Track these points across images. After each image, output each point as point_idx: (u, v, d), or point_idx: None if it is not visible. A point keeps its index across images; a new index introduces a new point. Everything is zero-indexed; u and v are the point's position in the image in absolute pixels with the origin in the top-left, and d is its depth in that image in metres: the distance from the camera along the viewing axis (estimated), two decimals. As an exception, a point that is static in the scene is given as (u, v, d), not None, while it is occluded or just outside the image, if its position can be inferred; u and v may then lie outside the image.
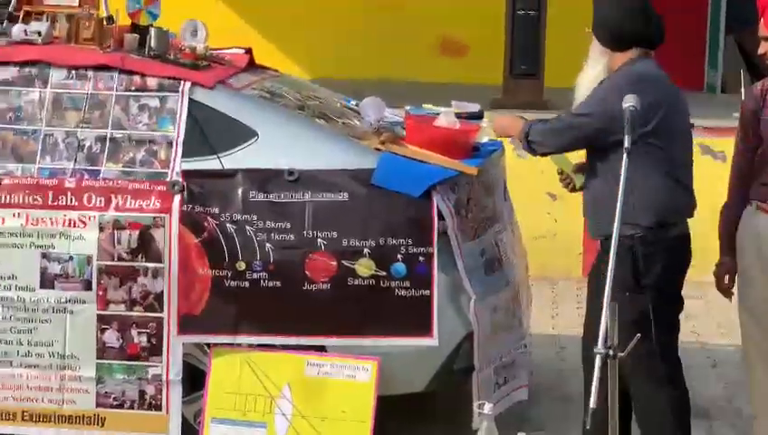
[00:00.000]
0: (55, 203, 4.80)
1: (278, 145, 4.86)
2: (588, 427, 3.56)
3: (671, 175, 4.53)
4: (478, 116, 5.42)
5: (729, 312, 7.07)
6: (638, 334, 3.67)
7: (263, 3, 11.52)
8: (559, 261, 7.87)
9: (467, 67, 11.54)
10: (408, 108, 5.57)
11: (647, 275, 4.48)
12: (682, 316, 4.69)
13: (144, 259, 4.77)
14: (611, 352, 3.58)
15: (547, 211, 7.93)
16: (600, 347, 3.56)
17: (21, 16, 5.30)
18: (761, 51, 4.59)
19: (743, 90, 5.29)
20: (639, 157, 4.25)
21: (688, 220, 4.67)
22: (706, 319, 7.12)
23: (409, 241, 4.70)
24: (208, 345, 4.81)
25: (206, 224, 4.75)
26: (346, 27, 11.80)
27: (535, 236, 7.52)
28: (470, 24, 11.45)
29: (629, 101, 4.10)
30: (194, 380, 4.86)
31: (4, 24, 5.36)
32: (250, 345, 4.78)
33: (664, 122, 4.50)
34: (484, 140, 5.30)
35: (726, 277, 4.76)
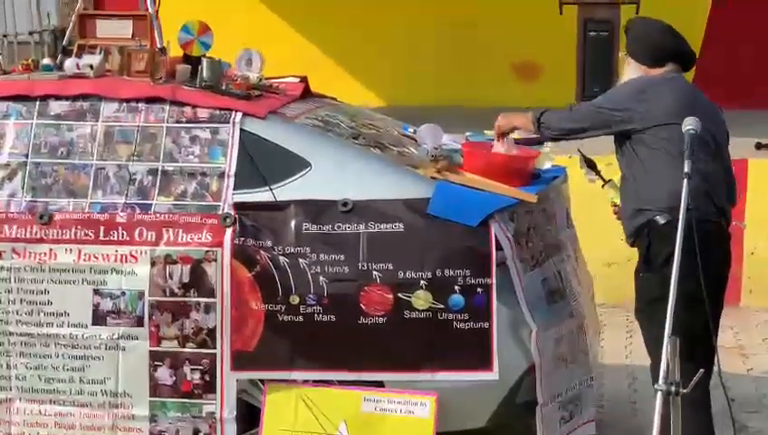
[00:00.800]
0: (107, 238, 4.76)
1: (331, 175, 4.76)
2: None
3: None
4: (539, 142, 5.26)
5: None
6: (702, 370, 3.50)
7: (329, 28, 11.49)
8: (633, 287, 7.63)
9: (540, 90, 11.38)
10: (467, 134, 5.44)
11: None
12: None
13: (196, 294, 4.69)
14: (674, 389, 3.41)
15: (620, 237, 7.70)
16: (661, 383, 3.40)
17: (74, 50, 5.29)
18: None
19: None
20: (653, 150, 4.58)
21: None
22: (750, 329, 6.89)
23: (467, 272, 4.57)
24: (263, 382, 4.71)
25: (258, 257, 4.66)
26: (417, 51, 11.72)
27: (608, 263, 7.32)
28: (543, 47, 11.32)
29: (690, 124, 3.97)
30: (249, 417, 4.76)
31: (59, 58, 5.34)
32: (305, 381, 4.68)
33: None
34: (546, 166, 5.14)
35: None
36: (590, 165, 5.16)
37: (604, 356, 6.12)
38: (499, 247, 4.59)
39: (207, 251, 4.69)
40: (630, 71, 4.81)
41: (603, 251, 7.08)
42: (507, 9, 11.42)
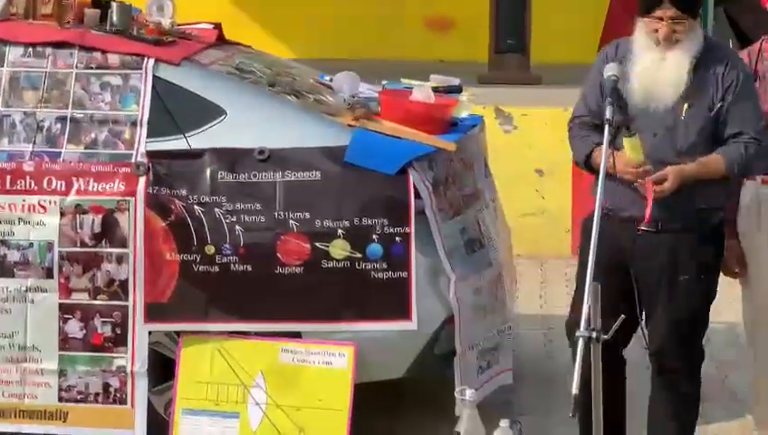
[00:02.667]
0: (14, 188, 4.62)
1: (247, 123, 4.67)
2: (572, 414, 3.37)
3: None
4: (457, 90, 5.22)
5: (721, 289, 6.94)
6: (623, 316, 3.51)
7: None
8: (547, 240, 7.68)
9: (453, 44, 11.37)
10: (384, 82, 5.37)
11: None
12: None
13: (108, 245, 4.58)
14: (594, 335, 3.41)
15: (535, 188, 7.74)
16: (582, 330, 3.40)
17: (-24, -7, 5.09)
18: None
19: None
20: None
21: None
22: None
23: (385, 221, 4.52)
24: (178, 334, 4.62)
25: (172, 207, 4.57)
26: (330, 5, 11.60)
27: (522, 214, 7.35)
28: (457, 0, 11.28)
29: (612, 70, 3.97)
30: (164, 369, 4.67)
31: (-40, 2, 5.15)
32: (221, 333, 4.59)
33: None
34: (464, 114, 5.10)
35: (735, 260, 4.57)
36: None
37: (519, 306, 6.14)
38: (417, 196, 4.55)
39: (120, 201, 4.58)
40: (690, 31, 4.28)
41: (519, 202, 7.10)
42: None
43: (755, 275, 4.58)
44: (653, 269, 4.24)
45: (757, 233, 4.53)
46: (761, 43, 4.53)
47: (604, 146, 3.83)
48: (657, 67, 4.19)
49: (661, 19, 4.17)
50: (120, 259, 4.57)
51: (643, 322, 4.31)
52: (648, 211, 4.14)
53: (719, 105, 4.22)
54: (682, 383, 4.39)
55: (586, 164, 4.34)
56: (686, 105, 4.19)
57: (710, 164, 4.19)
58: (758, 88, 4.48)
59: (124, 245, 4.57)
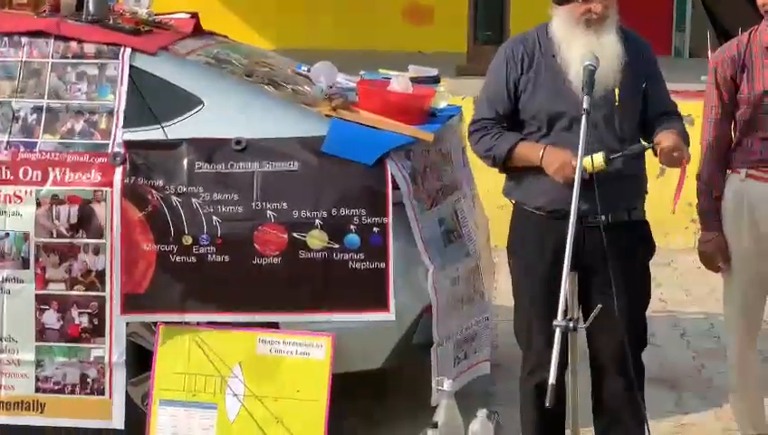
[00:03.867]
0: (-11, 177, 4.59)
1: (224, 113, 4.66)
2: (548, 404, 3.37)
3: None
4: (435, 80, 5.22)
5: (697, 279, 6.98)
6: (600, 305, 3.52)
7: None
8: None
9: (432, 34, 11.37)
10: (362, 73, 5.37)
11: None
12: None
13: (84, 235, 4.57)
14: (572, 325, 3.42)
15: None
16: (559, 320, 3.41)
17: (-49, -19, 5.07)
18: (760, 2, 4.40)
19: (709, 52, 5.13)
20: None
21: None
22: (674, 287, 6.98)
23: (363, 211, 4.52)
24: (155, 324, 4.61)
25: (149, 197, 4.55)
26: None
27: (500, 205, 7.33)
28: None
29: (588, 60, 3.94)
30: (141, 360, 4.66)
31: (-66, -10, 5.12)
32: (199, 323, 4.59)
33: None
34: (442, 105, 5.10)
35: (718, 254, 4.57)
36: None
37: (497, 297, 6.14)
38: (395, 186, 4.54)
39: (96, 191, 4.56)
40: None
41: (496, 193, 7.09)
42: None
43: (738, 268, 4.58)
44: (606, 262, 4.04)
45: (741, 225, 4.54)
46: (749, 35, 4.52)
47: (581, 142, 3.74)
48: (596, 53, 4.03)
49: None
50: (97, 250, 4.55)
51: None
52: (678, 194, 4.05)
53: (643, 86, 4.19)
54: (630, 368, 4.16)
55: (503, 161, 4.17)
56: (616, 90, 4.11)
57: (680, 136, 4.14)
58: (744, 77, 4.48)
59: (101, 235, 4.55)
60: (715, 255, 4.58)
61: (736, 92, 4.50)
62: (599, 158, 3.95)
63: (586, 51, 3.99)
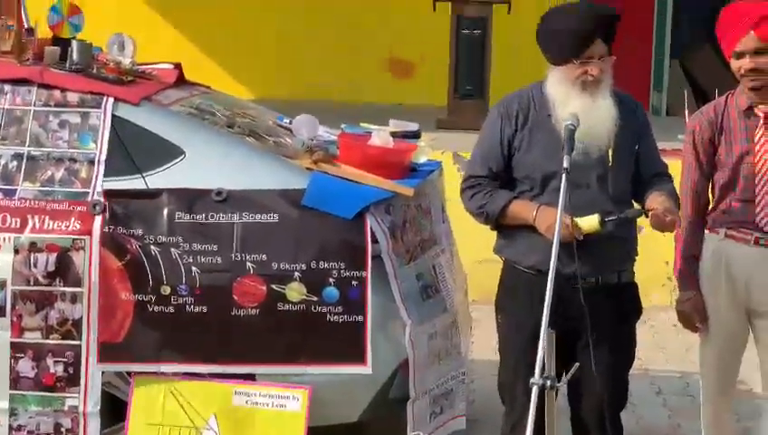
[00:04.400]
0: (-32, 224, 4.58)
1: (206, 164, 4.67)
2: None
3: None
4: (415, 135, 5.25)
5: (673, 338, 7.00)
6: (577, 363, 3.53)
7: (202, 18, 11.34)
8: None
9: (413, 87, 11.44)
10: (343, 126, 5.40)
11: None
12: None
13: (62, 284, 4.55)
14: (549, 383, 3.43)
15: (490, 235, 7.76)
16: (537, 378, 3.41)
17: (-64, 28, 5.08)
18: (735, 66, 4.47)
19: (686, 112, 5.19)
20: None
21: None
22: (651, 345, 6.99)
23: (342, 265, 4.52)
24: (130, 374, 4.59)
25: (128, 246, 4.54)
26: (291, 46, 11.64)
27: (479, 260, 7.36)
28: (416, 44, 11.36)
29: (569, 119, 3.98)
30: (116, 410, 4.63)
31: None
32: (175, 374, 4.57)
33: None
34: (422, 159, 5.13)
35: (696, 314, 4.59)
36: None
37: (474, 352, 6.14)
38: (374, 240, 4.56)
39: (75, 239, 4.55)
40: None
41: (475, 248, 7.11)
42: (381, 5, 11.44)
43: (714, 328, 4.60)
44: (594, 324, 4.07)
45: (719, 285, 4.56)
46: (726, 98, 4.58)
47: (561, 200, 3.76)
48: (591, 114, 4.10)
49: (591, 58, 4.11)
50: (75, 298, 4.54)
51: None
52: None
53: (636, 147, 4.24)
54: (609, 429, 4.24)
55: (496, 218, 4.22)
56: (610, 151, 4.16)
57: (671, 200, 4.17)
58: (722, 140, 4.53)
59: (78, 284, 4.54)
60: (692, 314, 4.60)
61: (714, 155, 4.55)
62: (594, 220, 3.99)
63: (581, 112, 4.03)
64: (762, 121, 4.48)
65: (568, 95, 4.12)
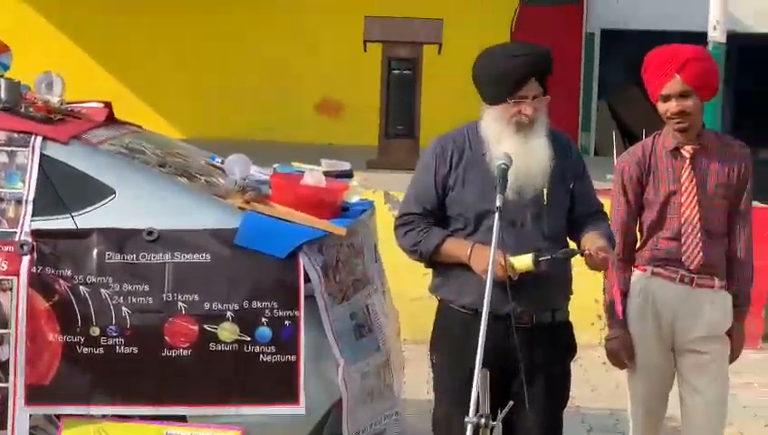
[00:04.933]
0: None
1: (137, 203, 4.63)
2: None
3: None
4: (348, 175, 5.26)
5: (602, 375, 7.05)
6: (512, 402, 3.54)
7: (134, 58, 11.29)
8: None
9: (344, 127, 11.49)
10: (275, 166, 5.39)
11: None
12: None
13: (-11, 325, 4.46)
14: (483, 421, 3.44)
15: (423, 273, 7.78)
16: (471, 416, 3.42)
17: None
18: (662, 109, 4.54)
19: (614, 152, 5.27)
20: None
21: None
22: (580, 382, 7.03)
23: (275, 304, 4.50)
24: (59, 417, 4.51)
25: (57, 287, 4.48)
26: (221, 85, 11.62)
27: (411, 299, 7.37)
28: (347, 84, 11.41)
29: (501, 158, 4.00)
30: (43, 454, 4.56)
31: None
32: (104, 416, 4.50)
33: None
34: (354, 199, 5.13)
35: (624, 351, 4.64)
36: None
37: (407, 392, 6.14)
38: (307, 280, 4.54)
39: (2, 280, 4.48)
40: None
41: (407, 286, 7.13)
42: (313, 47, 11.49)
43: (644, 366, 4.65)
44: (527, 363, 4.11)
45: (646, 322, 4.62)
46: (653, 139, 4.66)
47: (494, 239, 3.79)
48: (526, 154, 4.11)
49: (525, 98, 4.14)
50: (1, 340, 4.46)
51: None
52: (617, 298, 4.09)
53: (571, 185, 4.28)
54: None
55: (430, 255, 4.23)
56: (545, 190, 4.19)
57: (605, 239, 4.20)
58: (650, 180, 4.60)
59: (5, 325, 4.47)
60: (620, 351, 4.65)
61: (642, 194, 4.62)
62: (527, 259, 4.01)
63: (515, 152, 4.05)
64: (688, 162, 4.57)
65: (502, 135, 4.14)
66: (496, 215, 3.83)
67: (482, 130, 4.20)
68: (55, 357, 4.47)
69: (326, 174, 5.09)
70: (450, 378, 4.25)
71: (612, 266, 4.30)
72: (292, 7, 12.03)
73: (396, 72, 9.45)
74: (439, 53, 9.54)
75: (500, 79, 4.13)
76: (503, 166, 3.96)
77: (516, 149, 4.09)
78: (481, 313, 3.90)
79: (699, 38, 7.73)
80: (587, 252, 4.08)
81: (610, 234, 4.30)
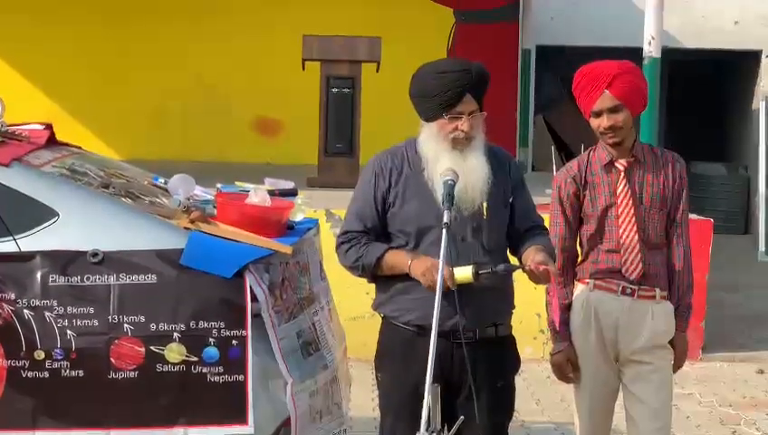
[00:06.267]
0: None
1: (80, 225, 4.60)
2: None
3: None
4: (292, 193, 5.27)
5: (547, 389, 7.10)
6: (462, 417, 3.56)
7: (71, 79, 11.20)
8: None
9: (282, 146, 11.48)
10: (219, 185, 5.38)
11: None
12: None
13: (-71, 351, 4.40)
14: (435, 436, 3.46)
15: (365, 291, 7.79)
16: (423, 431, 3.44)
17: None
18: (594, 125, 4.61)
19: (554, 166, 5.33)
20: None
21: None
22: (525, 396, 7.09)
23: (221, 324, 4.49)
24: (4, 442, 4.46)
25: (0, 311, 4.42)
26: (158, 107, 11.56)
27: (354, 317, 7.39)
28: (286, 103, 11.41)
29: (448, 175, 4.04)
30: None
31: None
32: (50, 440, 4.45)
33: None
34: (299, 217, 5.14)
35: (568, 364, 4.69)
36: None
37: (352, 409, 6.15)
38: (254, 299, 4.53)
39: (-56, 305, 4.42)
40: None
41: (351, 304, 7.14)
42: (251, 65, 11.48)
43: (588, 378, 4.70)
44: (472, 377, 4.14)
45: (589, 335, 4.67)
46: (589, 153, 4.73)
47: (441, 253, 3.83)
48: (463, 171, 4.14)
49: (461, 114, 4.16)
50: (-55, 366, 4.40)
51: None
52: (556, 311, 4.12)
53: (510, 200, 4.33)
54: None
55: (372, 269, 4.27)
56: (485, 205, 4.22)
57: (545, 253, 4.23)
58: (587, 194, 4.67)
59: (-53, 351, 4.41)
60: (564, 365, 4.70)
61: (580, 209, 4.69)
62: (467, 271, 4.04)
63: (452, 168, 4.08)
64: (623, 175, 4.64)
65: (439, 151, 4.18)
66: (444, 231, 3.87)
67: (420, 147, 4.23)
68: (0, 382, 4.42)
69: (271, 193, 5.09)
70: (395, 394, 4.28)
71: (554, 280, 4.35)
72: (229, 27, 12.02)
73: (335, 90, 9.48)
74: (377, 71, 9.59)
75: (433, 96, 4.16)
76: (449, 182, 4.01)
77: (454, 165, 4.13)
78: (424, 328, 3.93)
79: (634, 53, 7.86)
80: (528, 267, 4.13)
81: (551, 248, 4.35)
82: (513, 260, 4.35)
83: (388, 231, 4.28)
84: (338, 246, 4.37)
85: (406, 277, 4.20)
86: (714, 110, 16.11)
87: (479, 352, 4.17)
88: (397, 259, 4.19)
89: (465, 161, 4.17)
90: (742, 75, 14.66)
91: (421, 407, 3.62)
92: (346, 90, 9.43)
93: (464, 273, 4.09)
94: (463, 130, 4.14)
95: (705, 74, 15.87)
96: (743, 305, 10.57)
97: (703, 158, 14.26)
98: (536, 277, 4.14)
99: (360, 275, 4.36)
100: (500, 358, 4.30)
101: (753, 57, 13.93)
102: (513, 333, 4.45)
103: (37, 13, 11.73)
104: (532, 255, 4.17)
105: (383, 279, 4.34)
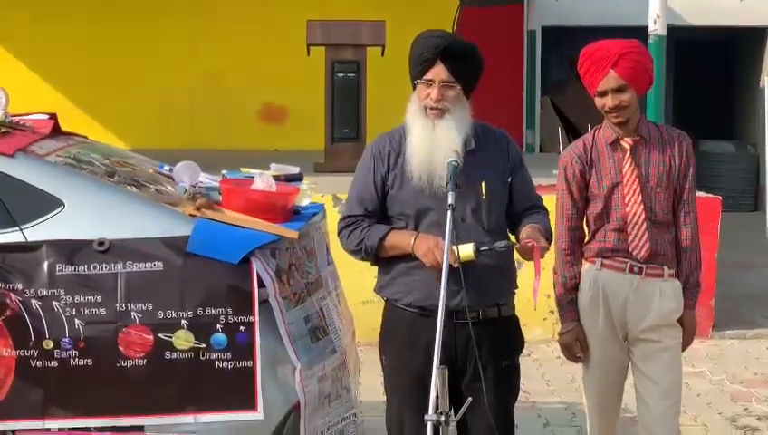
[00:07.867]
0: None
1: (86, 214, 4.60)
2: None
3: None
4: (298, 178, 5.26)
5: (557, 369, 7.09)
6: (470, 398, 3.56)
7: (76, 70, 11.19)
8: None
9: (288, 132, 11.47)
10: (224, 171, 5.38)
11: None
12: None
13: (-61, 342, 4.40)
14: (443, 419, 3.45)
15: (374, 275, 7.80)
16: (430, 414, 3.43)
17: None
18: (599, 104, 4.60)
19: (560, 147, 5.31)
20: None
21: None
22: (535, 377, 7.09)
23: (229, 310, 4.49)
24: (14, 432, 4.46)
25: (8, 301, 4.43)
26: (166, 96, 11.55)
27: (363, 301, 7.38)
28: (291, 89, 11.39)
29: (452, 156, 4.04)
30: (-2, 471, 4.51)
31: None
32: (61, 429, 4.46)
33: None
34: (305, 202, 5.13)
35: (577, 344, 4.68)
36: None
37: (362, 394, 6.15)
38: (261, 285, 4.53)
39: (-48, 296, 4.42)
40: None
41: (359, 289, 7.13)
42: (255, 52, 11.46)
43: (597, 357, 4.69)
44: (477, 358, 4.14)
45: (597, 314, 4.66)
46: (594, 132, 4.72)
47: (447, 235, 3.83)
48: (428, 141, 4.15)
49: (432, 81, 4.18)
50: (-46, 357, 4.41)
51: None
52: (536, 290, 4.13)
53: (509, 180, 4.34)
54: None
55: (375, 251, 4.28)
56: (483, 184, 4.24)
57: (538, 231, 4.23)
58: (593, 173, 4.66)
59: (-44, 342, 4.41)
60: (573, 344, 4.69)
61: (586, 188, 4.67)
62: (469, 248, 4.04)
63: (419, 136, 4.11)
64: (628, 153, 4.63)
65: (414, 119, 4.22)
66: (449, 212, 3.87)
67: (406, 117, 4.26)
68: (9, 372, 4.42)
69: (276, 178, 5.08)
70: (399, 377, 4.28)
71: (540, 254, 4.28)
72: (234, 14, 12.01)
73: (340, 75, 9.46)
74: (382, 54, 9.56)
75: (414, 60, 4.23)
76: (453, 163, 4.01)
77: (421, 133, 4.15)
78: (426, 309, 3.93)
79: (639, 32, 7.83)
80: (519, 245, 4.14)
81: (548, 226, 4.34)
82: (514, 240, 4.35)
83: (387, 214, 4.28)
84: (339, 231, 4.38)
85: (407, 259, 4.20)
86: (721, 88, 16.07)
87: (483, 332, 4.17)
88: (399, 239, 4.20)
89: (434, 130, 4.17)
90: (748, 53, 14.61)
91: (426, 388, 3.61)
92: (351, 74, 9.41)
93: (466, 250, 4.09)
94: (431, 98, 4.12)
95: (711, 52, 15.83)
96: (753, 283, 10.56)
97: (711, 136, 14.23)
98: (524, 252, 4.15)
99: (362, 259, 4.36)
100: (504, 338, 4.30)
101: (759, 34, 13.87)
102: (523, 314, 4.44)
103: (43, 4, 11.73)
104: (526, 232, 4.17)
105: (384, 262, 4.35)
